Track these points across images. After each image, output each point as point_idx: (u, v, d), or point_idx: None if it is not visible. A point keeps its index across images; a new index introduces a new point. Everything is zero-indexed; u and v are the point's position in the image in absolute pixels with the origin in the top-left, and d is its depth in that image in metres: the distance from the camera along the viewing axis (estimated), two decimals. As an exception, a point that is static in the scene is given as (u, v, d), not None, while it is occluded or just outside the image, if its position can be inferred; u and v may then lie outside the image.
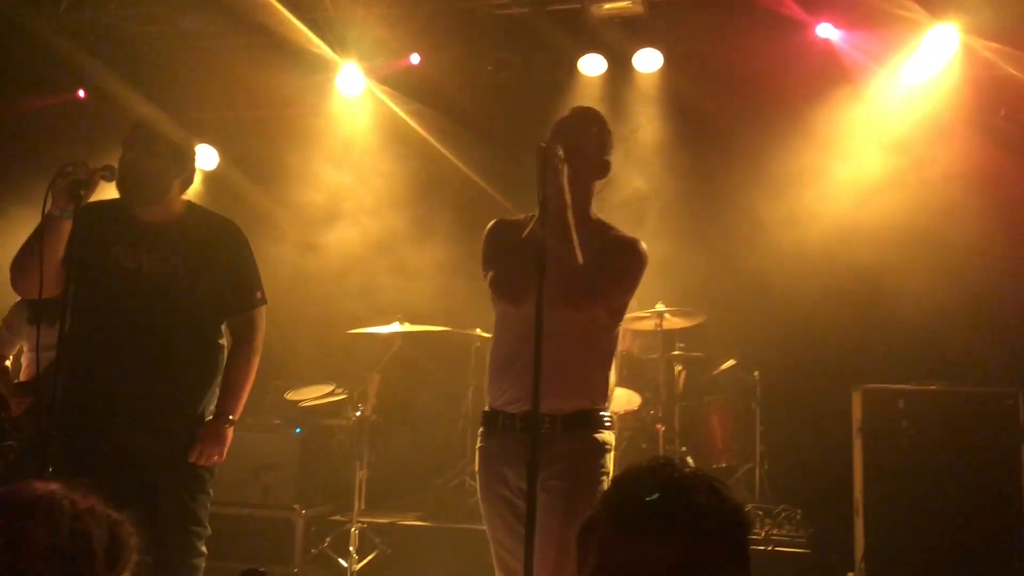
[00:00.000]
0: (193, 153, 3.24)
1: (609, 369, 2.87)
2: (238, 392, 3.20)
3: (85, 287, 2.95)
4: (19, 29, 6.16)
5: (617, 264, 2.78)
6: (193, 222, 3.19)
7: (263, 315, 3.28)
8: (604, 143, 2.88)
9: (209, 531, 3.15)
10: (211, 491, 3.18)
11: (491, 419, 2.82)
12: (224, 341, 3.28)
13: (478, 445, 2.87)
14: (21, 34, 6.18)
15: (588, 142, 2.82)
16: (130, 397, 3.00)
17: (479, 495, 2.84)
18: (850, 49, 5.95)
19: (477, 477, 2.87)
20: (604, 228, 2.88)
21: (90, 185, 2.83)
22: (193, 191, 3.43)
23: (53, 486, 1.37)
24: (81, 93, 6.97)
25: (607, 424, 2.80)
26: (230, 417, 3.15)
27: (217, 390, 3.24)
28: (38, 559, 1.30)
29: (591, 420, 2.76)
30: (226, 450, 3.15)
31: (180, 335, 3.09)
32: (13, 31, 6.18)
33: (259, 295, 3.26)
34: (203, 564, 3.12)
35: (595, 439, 2.75)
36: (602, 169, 2.87)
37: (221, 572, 3.36)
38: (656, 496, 1.24)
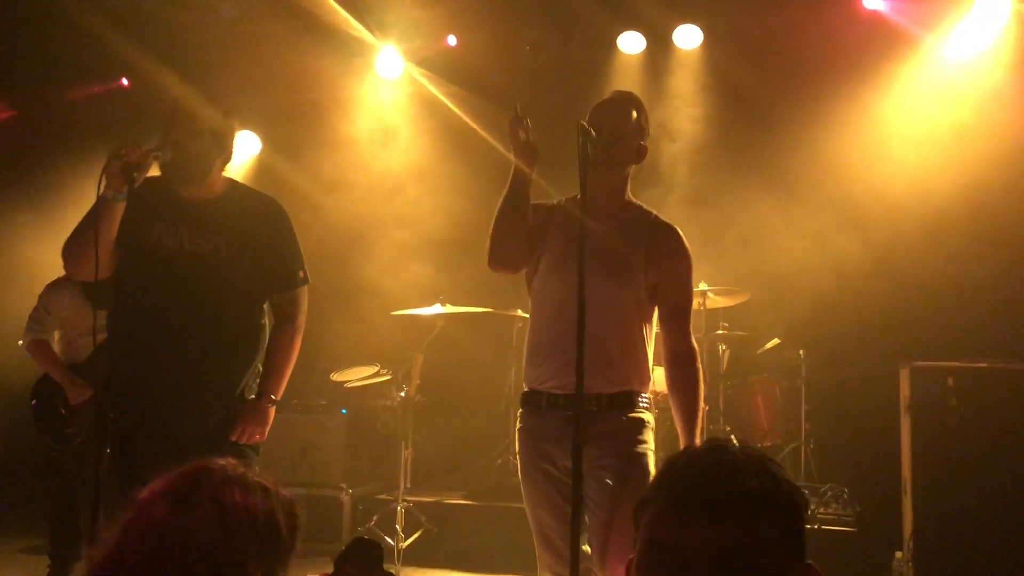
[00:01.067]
0: (233, 131, 3.23)
1: (650, 349, 2.90)
2: (281, 371, 3.21)
3: (128, 266, 3.00)
4: (63, 18, 6.25)
5: (684, 281, 2.90)
6: (235, 200, 3.19)
7: (305, 294, 3.28)
8: (642, 128, 2.90)
9: None
10: (256, 470, 3.20)
11: (534, 399, 2.84)
12: (266, 320, 3.29)
13: (519, 426, 2.90)
14: (65, 23, 6.27)
15: (626, 126, 2.83)
16: (172, 377, 3.02)
17: (520, 474, 2.86)
18: (898, 19, 5.81)
19: (518, 457, 2.89)
20: (643, 212, 2.92)
21: (143, 167, 2.87)
22: (236, 177, 3.47)
23: (236, 464, 1.42)
24: (125, 81, 7.06)
25: (645, 405, 2.85)
26: (272, 396, 3.16)
27: (259, 369, 3.24)
28: (243, 535, 1.33)
29: (633, 400, 2.81)
30: (268, 429, 3.16)
31: (222, 314, 3.09)
32: (57, 20, 6.28)
33: (301, 274, 3.25)
34: None
35: (638, 418, 2.81)
36: (639, 154, 2.89)
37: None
38: (708, 476, 1.24)
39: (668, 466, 1.29)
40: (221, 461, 1.42)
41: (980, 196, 5.51)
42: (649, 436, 2.81)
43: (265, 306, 3.28)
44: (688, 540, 1.21)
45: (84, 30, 6.32)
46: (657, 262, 2.82)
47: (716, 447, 1.29)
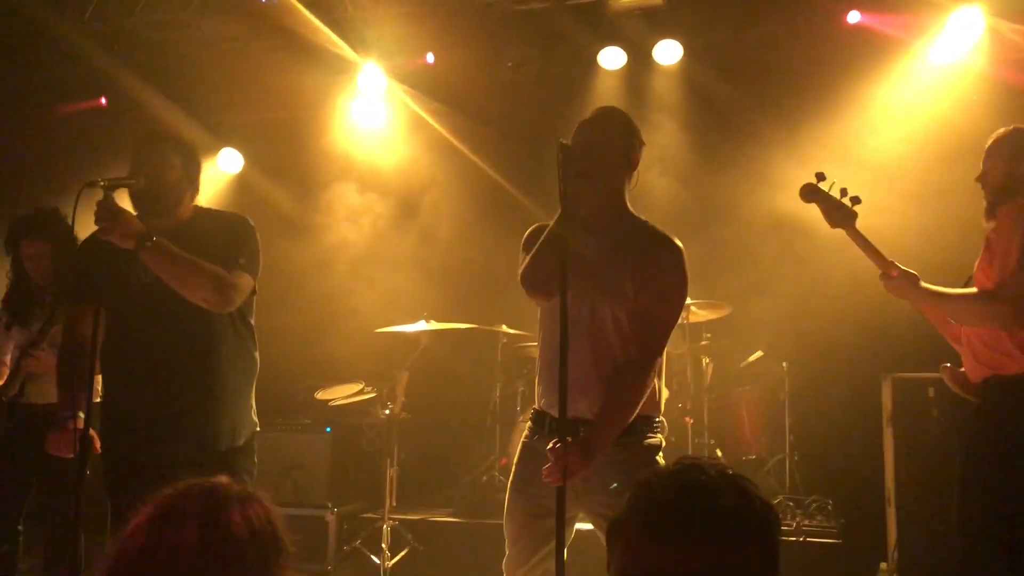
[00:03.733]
0: (200, 160, 3.25)
1: (656, 371, 2.79)
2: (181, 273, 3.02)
3: (112, 308, 3.00)
4: (47, 36, 6.23)
5: (663, 295, 2.75)
6: (203, 224, 3.21)
7: (242, 280, 3.12)
8: (627, 140, 2.85)
9: None
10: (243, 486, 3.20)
11: (539, 420, 2.84)
12: (254, 342, 3.28)
13: (523, 438, 2.87)
14: (49, 41, 6.26)
15: (605, 138, 2.81)
16: (160, 405, 3.06)
17: (509, 484, 2.86)
18: (875, 34, 5.88)
19: (512, 467, 2.87)
20: (639, 225, 2.86)
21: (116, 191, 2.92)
22: (219, 194, 3.48)
23: (227, 480, 1.45)
24: (103, 100, 7.02)
25: (656, 428, 2.77)
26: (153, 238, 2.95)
27: (253, 395, 3.25)
28: (240, 543, 1.36)
29: (636, 426, 2.72)
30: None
31: (203, 339, 3.11)
32: (42, 38, 6.25)
33: (242, 261, 3.12)
34: None
35: (643, 446, 2.73)
36: (626, 165, 2.85)
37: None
38: (682, 499, 1.24)
39: (640, 488, 1.28)
40: (218, 479, 1.45)
41: (961, 205, 5.54)
42: (660, 462, 2.72)
43: (252, 322, 3.27)
44: (663, 565, 1.21)
45: (67, 49, 6.30)
46: (643, 275, 2.74)
47: (689, 467, 1.29)
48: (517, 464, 2.85)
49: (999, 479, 3.04)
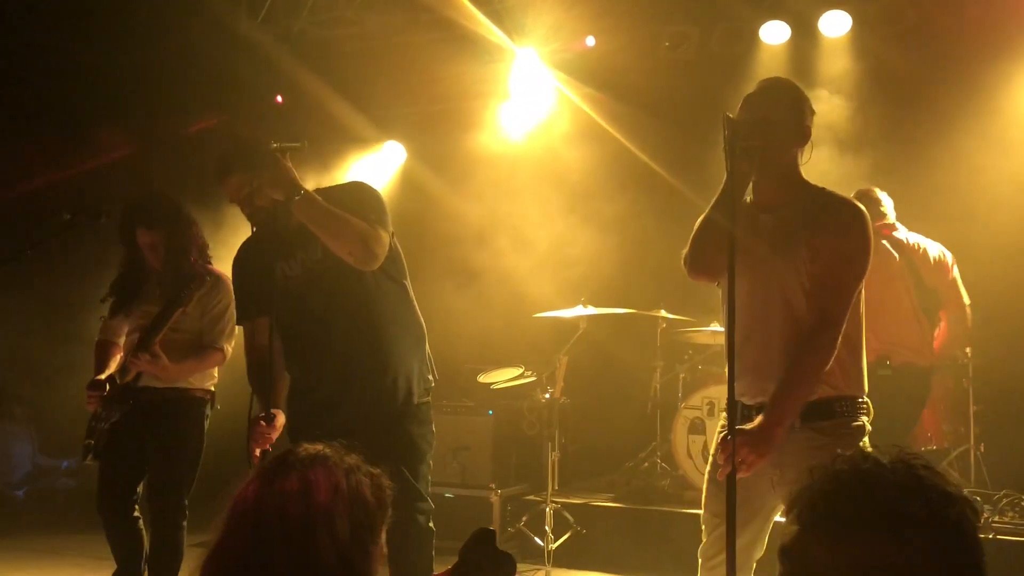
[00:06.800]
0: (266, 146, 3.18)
1: (857, 350, 2.67)
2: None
3: (279, 311, 3.19)
4: (228, 36, 6.63)
5: (840, 266, 2.62)
6: (322, 194, 3.21)
7: (382, 234, 3.16)
8: (799, 110, 2.74)
9: (432, 506, 3.26)
10: (431, 463, 3.28)
11: (732, 408, 2.73)
12: (411, 302, 3.32)
13: (720, 425, 2.79)
14: (230, 40, 6.64)
15: (776, 111, 2.69)
16: (337, 377, 3.21)
17: (706, 473, 2.83)
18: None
19: (710, 456, 2.82)
20: (815, 194, 2.73)
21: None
22: (385, 188, 3.59)
23: (320, 446, 1.59)
24: (279, 99, 7.39)
25: (860, 410, 2.64)
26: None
27: (425, 356, 3.33)
28: (327, 502, 1.51)
29: (834, 408, 2.61)
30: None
31: (363, 309, 3.20)
32: (223, 38, 6.65)
33: (372, 216, 3.14)
34: (432, 540, 3.23)
35: (845, 429, 2.60)
36: (800, 136, 2.73)
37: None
38: (842, 491, 1.17)
39: (810, 476, 1.23)
40: (307, 445, 1.59)
41: None
42: (864, 445, 2.58)
43: (403, 281, 3.32)
44: (817, 559, 1.15)
45: (245, 50, 6.68)
46: (818, 239, 2.62)
47: (860, 456, 1.21)
48: (714, 454, 2.79)
49: None
